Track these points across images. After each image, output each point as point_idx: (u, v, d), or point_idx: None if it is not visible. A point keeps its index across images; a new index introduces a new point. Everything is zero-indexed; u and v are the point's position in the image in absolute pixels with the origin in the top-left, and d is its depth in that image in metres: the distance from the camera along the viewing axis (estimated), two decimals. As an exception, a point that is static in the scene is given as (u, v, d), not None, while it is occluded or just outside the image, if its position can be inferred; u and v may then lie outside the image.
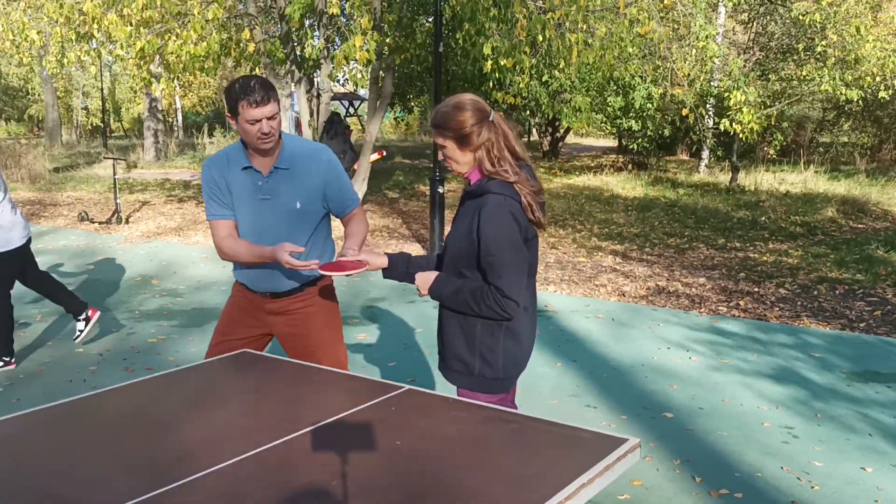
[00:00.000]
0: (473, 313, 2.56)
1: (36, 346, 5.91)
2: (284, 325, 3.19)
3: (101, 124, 44.47)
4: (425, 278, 2.67)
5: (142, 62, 8.77)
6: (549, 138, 24.97)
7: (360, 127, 28.58)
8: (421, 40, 11.27)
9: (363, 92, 23.68)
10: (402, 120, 34.59)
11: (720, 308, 7.09)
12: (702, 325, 6.57)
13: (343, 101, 31.30)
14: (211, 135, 31.38)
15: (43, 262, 9.25)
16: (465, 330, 2.62)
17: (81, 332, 5.77)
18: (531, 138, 29.35)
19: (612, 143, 35.87)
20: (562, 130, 24.84)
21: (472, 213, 2.54)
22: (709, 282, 8.08)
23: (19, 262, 5.36)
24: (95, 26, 8.18)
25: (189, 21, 8.28)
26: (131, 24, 7.99)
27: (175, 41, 8.18)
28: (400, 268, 2.83)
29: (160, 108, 24.04)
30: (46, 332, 6.26)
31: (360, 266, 2.78)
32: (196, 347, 5.85)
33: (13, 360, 5.38)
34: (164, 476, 1.96)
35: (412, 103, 22.27)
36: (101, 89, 34.63)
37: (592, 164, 22.93)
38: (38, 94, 43.51)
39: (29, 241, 5.39)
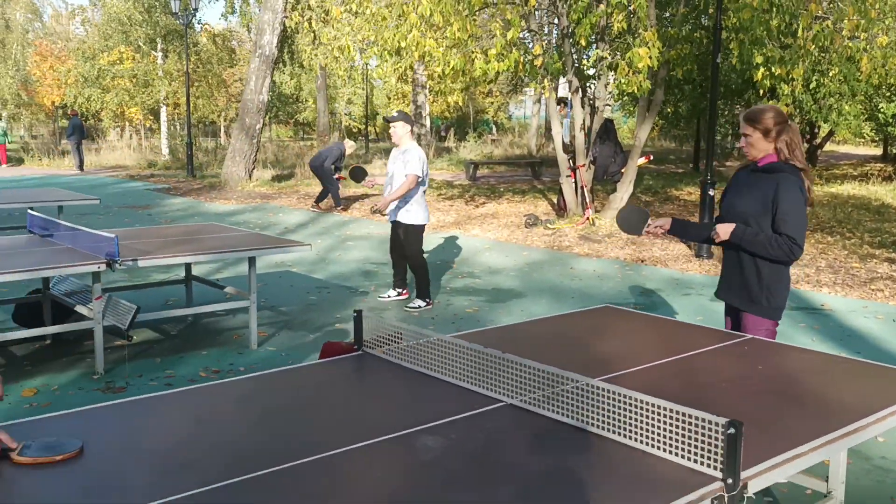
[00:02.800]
0: (766, 254, 3.54)
1: (380, 310, 7.32)
2: None
3: (361, 127, 48.71)
4: (725, 228, 3.63)
5: (450, 78, 10.12)
6: (807, 145, 24.06)
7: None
8: (688, 51, 11.78)
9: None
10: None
11: None
12: None
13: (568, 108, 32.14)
14: (464, 138, 33.56)
15: (356, 247, 10.96)
16: (759, 270, 3.61)
17: (419, 307, 7.16)
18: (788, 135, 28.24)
19: (873, 150, 33.55)
20: (820, 137, 23.89)
21: (769, 184, 3.53)
22: None
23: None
24: (413, 47, 9.63)
25: (493, 40, 9.52)
26: (445, 46, 9.36)
27: (481, 59, 9.45)
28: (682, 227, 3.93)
29: (423, 115, 26.25)
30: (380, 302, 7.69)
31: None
32: (507, 318, 6.94)
33: (430, 302, 7.35)
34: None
35: (669, 110, 22.54)
36: (367, 98, 38.02)
37: (855, 173, 21.87)
38: (308, 101, 48.55)
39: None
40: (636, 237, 10.91)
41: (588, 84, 12.27)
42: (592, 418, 2.35)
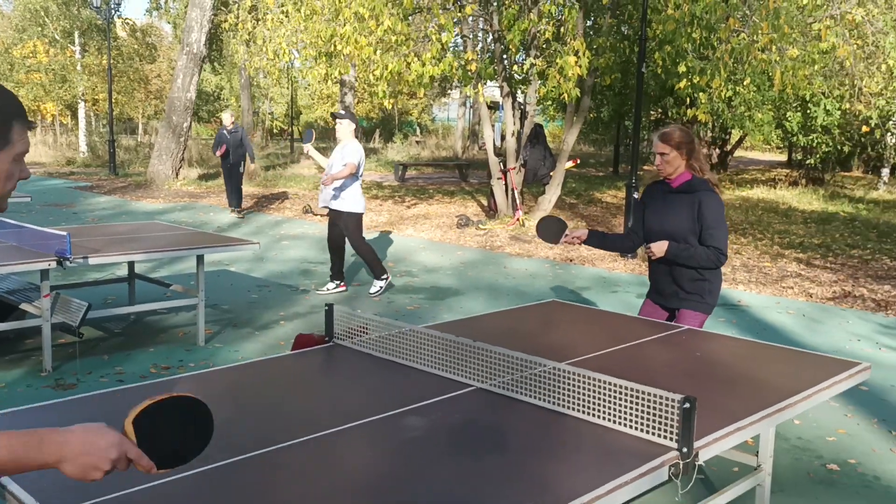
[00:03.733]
0: (697, 265, 3.91)
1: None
2: None
3: (284, 128, 48.24)
4: (660, 246, 3.98)
5: (385, 81, 10.30)
6: (718, 151, 25.18)
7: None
8: (614, 60, 12.27)
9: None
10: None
11: (907, 312, 7.70)
12: (889, 324, 7.23)
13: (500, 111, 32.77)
14: (391, 140, 33.67)
15: (291, 247, 11.02)
16: (697, 270, 3.97)
17: (380, 289, 7.79)
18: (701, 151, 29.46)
19: (778, 156, 35.28)
20: (731, 144, 25.02)
21: (691, 203, 3.88)
22: (894, 289, 8.63)
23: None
24: (349, 49, 9.79)
25: (429, 44, 9.75)
26: (380, 49, 9.54)
27: (416, 63, 9.68)
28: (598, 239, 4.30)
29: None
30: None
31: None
32: (448, 315, 7.18)
33: (388, 277, 7.92)
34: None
35: (592, 115, 23.21)
36: (291, 97, 37.73)
37: (763, 178, 23.02)
38: (230, 100, 47.78)
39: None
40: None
41: (518, 89, 12.65)
42: (559, 399, 2.60)
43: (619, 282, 8.95)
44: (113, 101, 25.38)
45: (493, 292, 8.27)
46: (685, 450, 2.25)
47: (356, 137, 7.83)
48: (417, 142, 37.00)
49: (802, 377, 3.01)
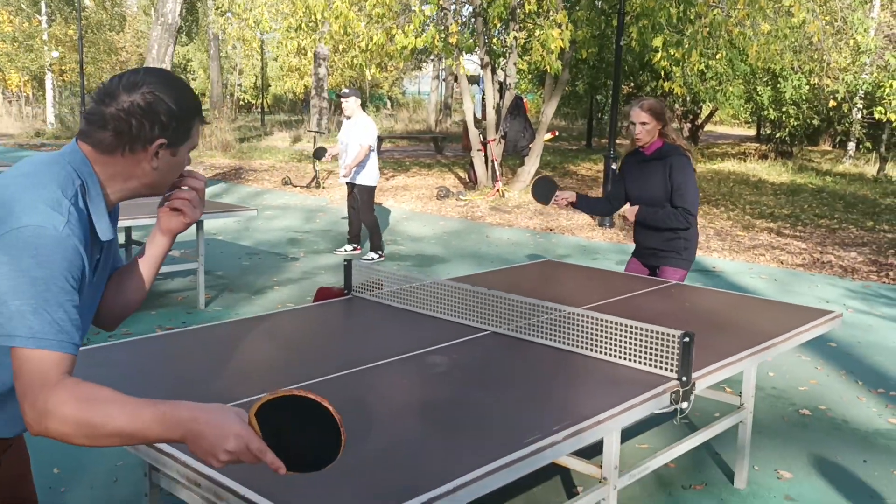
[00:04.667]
0: (666, 225, 4.16)
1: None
2: None
3: (252, 101, 47.84)
4: (631, 210, 4.31)
5: (370, 53, 10.44)
6: (689, 125, 25.61)
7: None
8: (592, 34, 12.50)
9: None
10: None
11: (871, 276, 8.11)
12: (855, 288, 7.63)
13: (479, 84, 32.90)
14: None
15: (276, 217, 11.16)
16: (668, 234, 4.23)
17: (372, 259, 8.04)
18: (672, 124, 29.92)
19: (747, 131, 35.86)
20: (703, 117, 25.44)
21: (663, 168, 4.17)
22: (860, 256, 9.05)
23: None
24: (333, 20, 9.90)
25: (412, 16, 9.90)
26: (367, 20, 9.68)
27: (400, 35, 9.82)
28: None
29: (323, 87, 26.23)
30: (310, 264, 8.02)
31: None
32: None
33: (383, 255, 8.20)
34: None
35: (567, 89, 23.46)
36: (262, 69, 37.44)
37: (733, 152, 23.51)
38: (198, 72, 47.26)
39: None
40: (543, 207, 11.62)
41: (497, 63, 12.84)
42: (569, 339, 2.87)
43: (598, 250, 9.26)
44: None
45: (477, 260, 8.53)
46: (684, 379, 2.53)
47: (362, 111, 8.18)
48: (389, 115, 36.97)
49: (781, 322, 3.31)
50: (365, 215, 8.17)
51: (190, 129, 1.63)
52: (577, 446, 2.15)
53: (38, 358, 1.39)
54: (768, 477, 3.62)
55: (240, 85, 48.56)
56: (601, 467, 2.66)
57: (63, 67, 31.11)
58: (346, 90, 7.91)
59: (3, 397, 1.58)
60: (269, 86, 51.97)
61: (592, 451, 3.08)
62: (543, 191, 4.52)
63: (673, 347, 2.60)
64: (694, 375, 2.60)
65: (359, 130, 7.96)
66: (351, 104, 8.01)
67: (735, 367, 2.81)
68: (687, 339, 2.51)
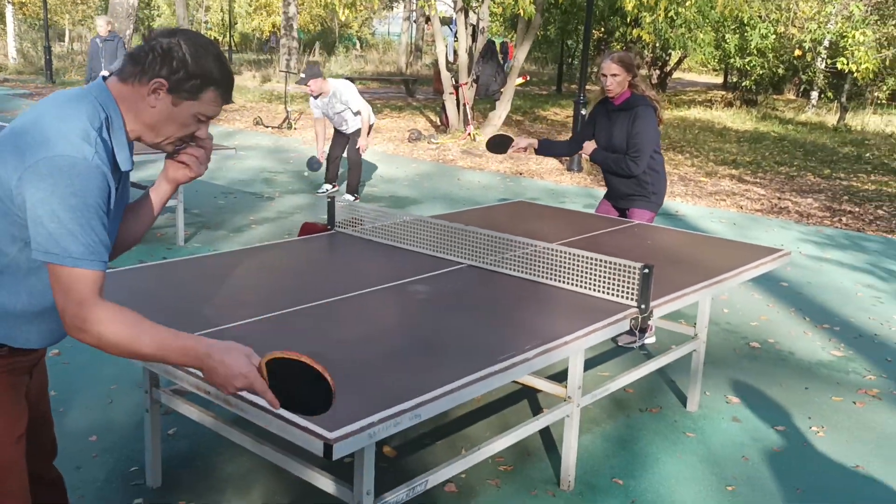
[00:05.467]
0: (611, 171, 4.44)
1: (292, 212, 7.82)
2: None
3: (218, 38, 46.87)
4: (588, 146, 4.57)
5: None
6: (658, 72, 25.76)
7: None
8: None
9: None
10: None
11: (825, 221, 8.48)
12: (809, 232, 7.99)
13: (451, 27, 32.61)
14: (332, 53, 33.28)
15: (248, 157, 11.22)
16: (637, 179, 4.46)
17: (349, 201, 8.05)
18: (641, 71, 30.08)
19: (714, 79, 36.12)
20: (671, 65, 25.60)
21: (628, 118, 4.38)
22: (815, 202, 9.42)
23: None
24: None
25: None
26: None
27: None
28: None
29: (293, 27, 25.84)
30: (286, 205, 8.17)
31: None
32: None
33: (358, 197, 8.39)
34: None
35: (539, 33, 23.43)
36: (231, 5, 36.64)
37: (700, 99, 23.79)
38: (162, 8, 46.14)
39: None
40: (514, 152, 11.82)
41: (470, 6, 12.85)
42: (539, 272, 3.12)
43: (566, 193, 9.51)
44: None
45: (449, 201, 8.73)
46: (643, 306, 2.80)
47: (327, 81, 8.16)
48: (359, 56, 36.56)
49: (734, 259, 3.59)
50: (354, 159, 8.27)
51: (199, 90, 1.73)
52: (545, 363, 2.40)
53: (77, 276, 1.59)
54: (718, 401, 3.94)
55: (206, 22, 47.53)
56: (566, 388, 2.94)
57: (24, 0, 30.20)
58: (303, 75, 7.90)
59: (41, 312, 1.77)
60: (237, 23, 50.95)
61: (560, 379, 3.36)
62: (498, 146, 4.76)
63: (633, 278, 2.86)
64: (652, 304, 2.86)
65: (346, 100, 7.99)
66: (316, 85, 7.90)
67: (690, 298, 3.08)
68: (647, 271, 2.77)
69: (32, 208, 1.58)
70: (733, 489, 3.13)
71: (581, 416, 3.55)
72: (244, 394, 1.91)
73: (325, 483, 2.29)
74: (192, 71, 1.72)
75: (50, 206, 1.57)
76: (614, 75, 4.37)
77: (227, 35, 38.52)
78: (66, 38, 43.41)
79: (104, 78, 1.79)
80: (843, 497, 3.12)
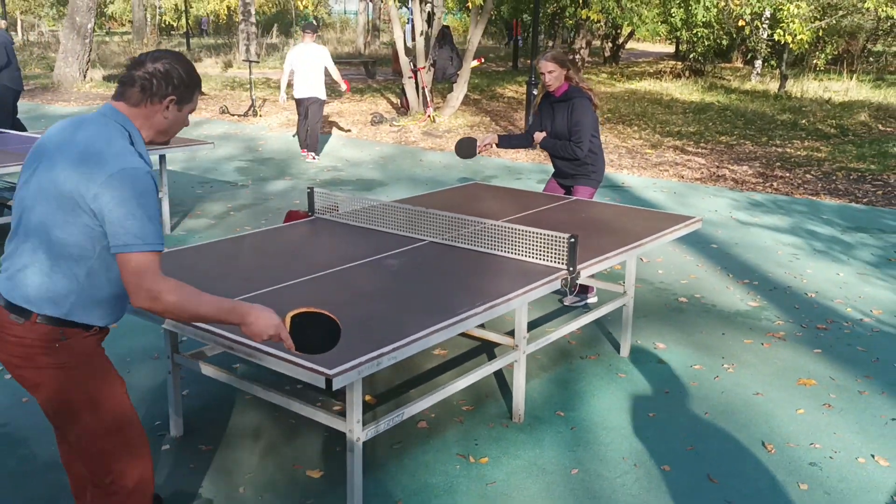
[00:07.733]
0: (559, 155, 5.08)
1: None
2: None
3: (173, 23, 46.68)
4: (538, 136, 5.21)
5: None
6: (610, 45, 26.47)
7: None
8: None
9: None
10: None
11: (757, 187, 9.26)
12: (742, 198, 8.76)
13: (408, 7, 32.94)
14: (289, 34, 33.40)
15: (219, 147, 11.69)
16: (575, 163, 5.13)
17: (315, 159, 10.07)
18: (593, 44, 30.68)
19: (667, 48, 36.98)
20: (623, 37, 26.34)
21: (567, 108, 5.05)
22: (750, 169, 10.21)
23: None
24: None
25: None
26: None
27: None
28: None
29: (251, 12, 25.99)
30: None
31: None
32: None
33: (317, 158, 10.55)
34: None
35: (494, 13, 23.90)
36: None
37: (651, 70, 24.57)
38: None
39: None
40: (471, 129, 12.43)
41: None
42: (488, 244, 3.78)
43: (521, 170, 10.18)
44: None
45: (413, 182, 9.35)
46: (571, 269, 3.47)
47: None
48: (318, 37, 36.70)
49: (654, 226, 4.29)
50: (314, 123, 10.31)
51: (193, 95, 2.32)
52: (495, 315, 3.07)
53: (150, 258, 2.15)
54: (647, 348, 4.66)
55: (160, 7, 47.14)
56: (514, 339, 3.62)
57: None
58: (309, 23, 9.53)
59: (112, 297, 2.34)
60: (191, 7, 50.55)
61: (513, 335, 4.02)
62: (466, 150, 5.38)
63: (563, 247, 3.54)
64: (579, 266, 3.54)
65: (320, 55, 10.38)
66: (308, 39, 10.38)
67: (612, 261, 3.76)
68: (573, 240, 3.45)
69: (111, 211, 2.10)
70: (654, 415, 3.85)
71: (530, 363, 4.25)
72: (266, 348, 2.55)
73: (324, 417, 2.94)
74: (188, 83, 2.29)
75: (128, 207, 2.09)
76: (550, 72, 5.02)
77: (183, 19, 38.39)
78: (19, 28, 42.90)
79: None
80: (742, 415, 3.85)
